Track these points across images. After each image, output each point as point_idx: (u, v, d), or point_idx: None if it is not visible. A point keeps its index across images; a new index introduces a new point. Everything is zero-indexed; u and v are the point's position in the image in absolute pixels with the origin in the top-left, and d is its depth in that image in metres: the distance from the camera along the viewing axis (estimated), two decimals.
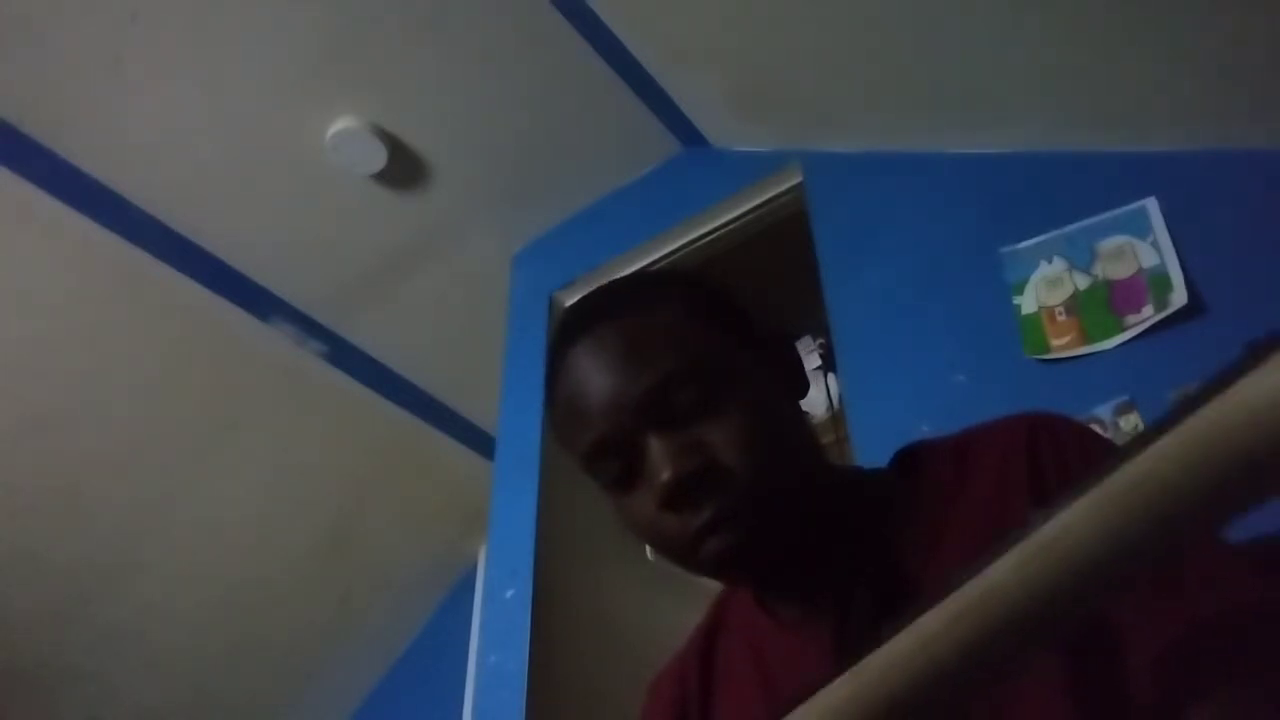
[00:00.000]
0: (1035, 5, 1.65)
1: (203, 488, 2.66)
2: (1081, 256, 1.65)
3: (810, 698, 0.37)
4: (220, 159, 2.27)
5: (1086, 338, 1.58)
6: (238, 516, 2.75)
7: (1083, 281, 1.63)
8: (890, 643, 0.35)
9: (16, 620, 2.55)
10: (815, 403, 2.38)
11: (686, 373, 0.64)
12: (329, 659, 3.10)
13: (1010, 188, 1.82)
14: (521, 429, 2.34)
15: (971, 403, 1.62)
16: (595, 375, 0.65)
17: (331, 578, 2.99)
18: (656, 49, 2.23)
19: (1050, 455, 0.63)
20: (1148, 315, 1.52)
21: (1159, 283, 1.54)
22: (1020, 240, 1.73)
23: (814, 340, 2.53)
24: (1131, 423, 1.45)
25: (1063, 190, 1.74)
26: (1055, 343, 1.60)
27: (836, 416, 2.29)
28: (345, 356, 2.70)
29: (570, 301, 2.25)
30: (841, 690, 0.36)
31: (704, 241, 2.35)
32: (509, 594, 2.11)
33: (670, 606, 2.07)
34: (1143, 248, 1.59)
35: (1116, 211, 1.64)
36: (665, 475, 0.61)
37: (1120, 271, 1.59)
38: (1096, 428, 1.42)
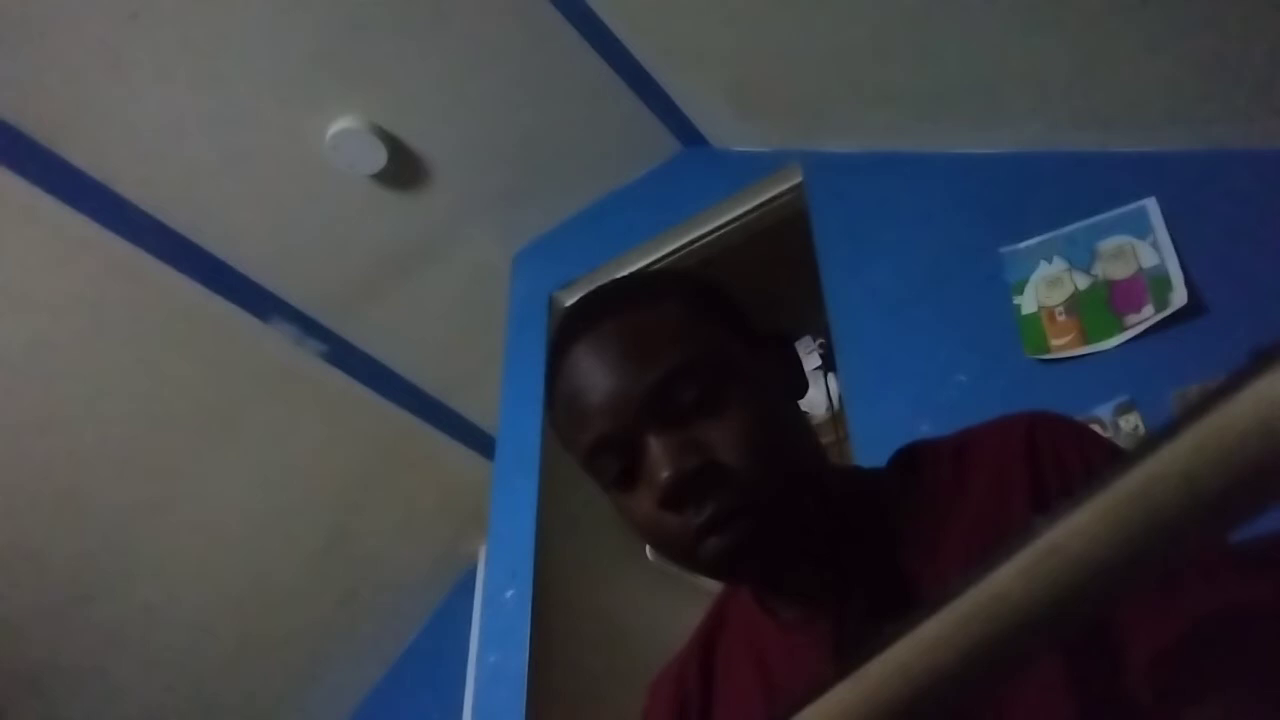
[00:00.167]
0: (1035, 5, 1.65)
1: (202, 487, 2.66)
2: (1081, 256, 1.65)
3: (811, 702, 0.37)
4: (220, 159, 2.27)
5: (1086, 338, 1.58)
6: (238, 516, 2.75)
7: (1083, 281, 1.63)
8: (892, 648, 0.35)
9: (16, 620, 2.55)
10: (815, 403, 2.38)
11: (687, 371, 0.64)
12: (329, 659, 3.10)
13: (1010, 188, 1.82)
14: (521, 429, 2.34)
15: (971, 403, 1.62)
16: (596, 374, 0.65)
17: (331, 578, 2.99)
18: (656, 49, 2.22)
19: (1050, 455, 0.64)
20: (1148, 315, 1.52)
21: (1159, 283, 1.54)
22: (1020, 240, 1.73)
23: (814, 340, 2.52)
24: (1131, 423, 1.45)
25: (1063, 190, 1.74)
26: (1055, 343, 1.60)
27: (836, 416, 2.29)
28: (345, 356, 2.70)
29: (570, 301, 2.25)
30: (843, 695, 0.36)
31: (704, 241, 2.35)
32: (509, 594, 2.11)
33: (670, 606, 2.07)
34: (1143, 248, 1.59)
35: (1116, 211, 1.64)
36: (665, 474, 0.61)
37: (1120, 271, 1.59)
38: (1096, 428, 1.42)
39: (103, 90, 2.09)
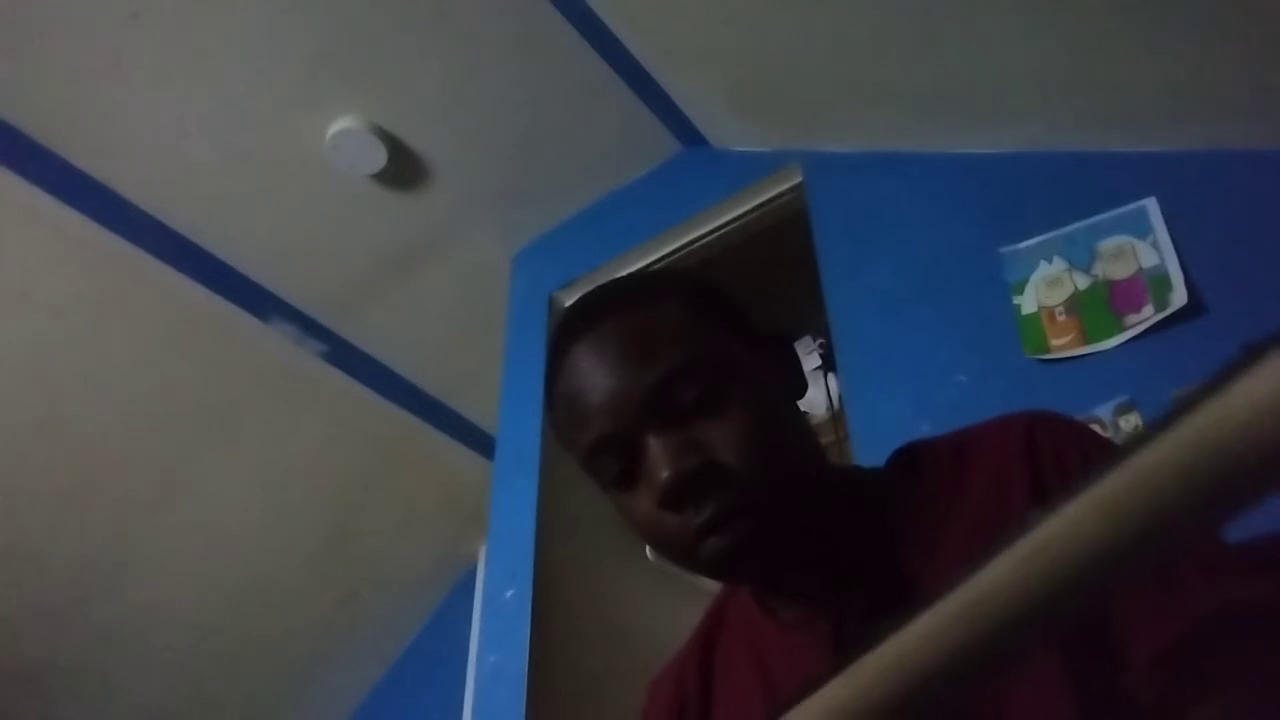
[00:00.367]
0: (1035, 5, 1.65)
1: (202, 487, 2.66)
2: (1081, 256, 1.65)
3: (807, 698, 0.37)
4: (220, 159, 2.27)
5: (1086, 338, 1.57)
6: (238, 516, 2.75)
7: (1083, 281, 1.63)
8: (887, 643, 0.35)
9: (16, 620, 2.55)
10: (815, 403, 2.37)
11: (687, 371, 0.64)
12: (329, 659, 3.10)
13: (1010, 188, 1.82)
14: (521, 429, 2.34)
15: (971, 402, 1.62)
16: (596, 373, 0.65)
17: (331, 578, 2.99)
18: (656, 49, 2.22)
19: (1049, 454, 0.64)
20: (1148, 315, 1.52)
21: (1159, 283, 1.54)
22: (1020, 240, 1.72)
23: (814, 340, 2.52)
24: (1131, 423, 1.45)
25: (1063, 190, 1.74)
26: (1055, 343, 1.60)
27: (836, 416, 2.29)
28: (345, 356, 2.70)
29: (570, 301, 2.25)
30: (838, 691, 0.36)
31: (704, 241, 2.35)
32: (509, 594, 2.11)
33: (670, 606, 2.07)
34: (1143, 248, 1.58)
35: (1116, 211, 1.64)
36: (665, 474, 0.61)
37: (1120, 271, 1.59)
38: (1096, 428, 1.42)
39: (103, 90, 2.09)
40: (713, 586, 0.78)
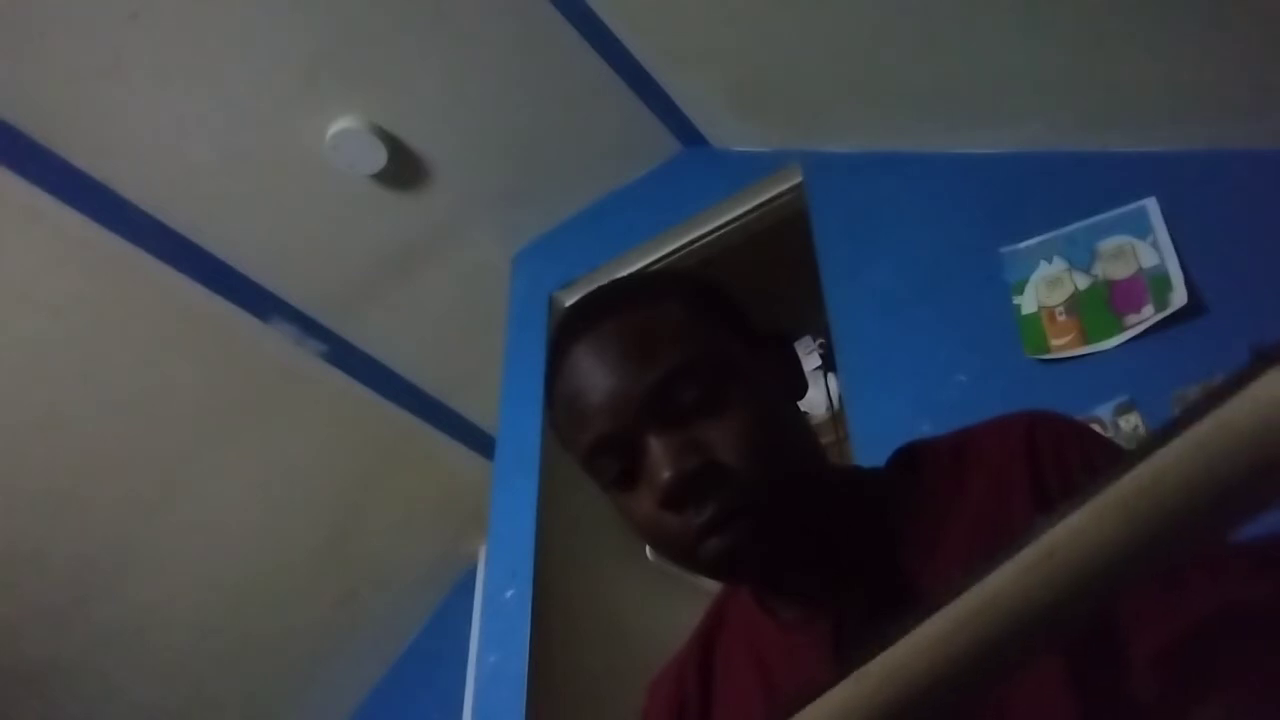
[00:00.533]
0: (1035, 5, 1.64)
1: (202, 487, 2.66)
2: (1081, 256, 1.65)
3: (811, 702, 0.37)
4: (220, 159, 2.27)
5: (1086, 338, 1.58)
6: (237, 516, 2.75)
7: (1083, 281, 1.63)
8: (892, 648, 0.35)
9: (16, 620, 2.55)
10: (815, 403, 2.38)
11: (687, 371, 0.63)
12: (329, 659, 3.10)
13: (1010, 188, 1.82)
14: (521, 429, 2.34)
15: (971, 403, 1.62)
16: (596, 373, 0.65)
17: (331, 578, 2.99)
18: (656, 49, 2.22)
19: (1050, 454, 0.63)
20: (1148, 315, 1.52)
21: (1159, 283, 1.54)
22: (1020, 240, 1.73)
23: (814, 340, 2.52)
24: (1131, 423, 1.45)
25: (1063, 190, 1.74)
26: (1055, 343, 1.60)
27: (836, 416, 2.29)
28: (345, 356, 2.70)
29: (570, 301, 2.25)
30: (843, 695, 0.36)
31: (704, 241, 2.35)
32: (509, 594, 2.11)
33: (670, 606, 2.07)
34: (1143, 248, 1.59)
35: (1116, 211, 1.64)
36: (666, 474, 0.61)
37: (1120, 271, 1.59)
38: (1096, 428, 1.42)
39: (103, 90, 2.09)
40: (713, 586, 0.78)
